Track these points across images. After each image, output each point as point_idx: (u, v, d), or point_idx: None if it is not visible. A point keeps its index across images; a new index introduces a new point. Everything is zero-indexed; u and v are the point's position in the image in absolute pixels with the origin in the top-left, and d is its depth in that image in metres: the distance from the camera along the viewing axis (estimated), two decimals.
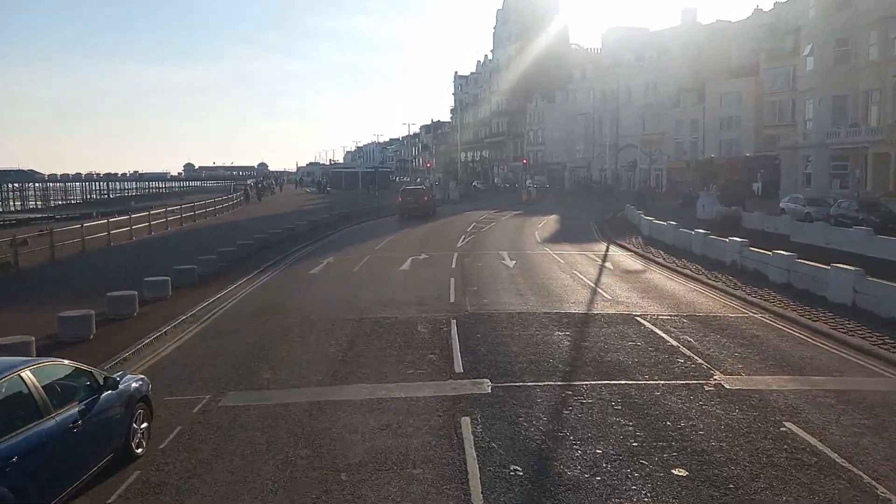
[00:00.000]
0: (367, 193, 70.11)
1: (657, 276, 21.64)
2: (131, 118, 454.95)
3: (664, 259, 24.68)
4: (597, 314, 15.88)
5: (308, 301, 17.69)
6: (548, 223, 39.25)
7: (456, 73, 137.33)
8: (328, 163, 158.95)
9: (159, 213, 39.49)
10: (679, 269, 22.67)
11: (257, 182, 62.85)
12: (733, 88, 71.69)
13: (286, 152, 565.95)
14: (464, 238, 31.88)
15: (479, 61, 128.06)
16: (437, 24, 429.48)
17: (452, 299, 17.64)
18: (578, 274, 21.77)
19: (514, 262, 24.31)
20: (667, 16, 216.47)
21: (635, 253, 27.10)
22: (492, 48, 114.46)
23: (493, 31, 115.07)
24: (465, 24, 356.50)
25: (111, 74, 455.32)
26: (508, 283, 19.98)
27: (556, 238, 32.70)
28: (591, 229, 36.33)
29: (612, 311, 16.25)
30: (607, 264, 24.28)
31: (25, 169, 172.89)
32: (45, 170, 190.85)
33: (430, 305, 16.81)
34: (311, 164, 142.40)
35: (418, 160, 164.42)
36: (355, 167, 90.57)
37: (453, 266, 23.50)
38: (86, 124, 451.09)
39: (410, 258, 25.26)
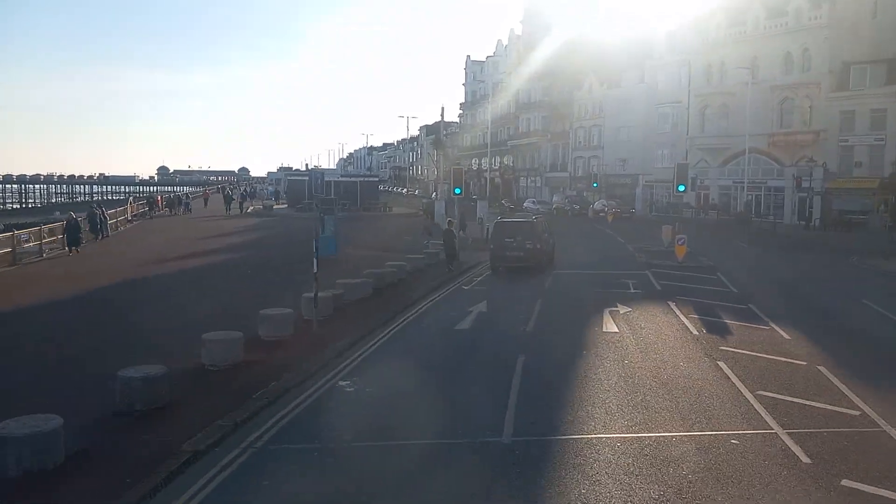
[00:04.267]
0: (346, 222, 40.90)
1: None
2: (115, 122, 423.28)
3: None
4: None
5: None
6: None
7: (468, 57, 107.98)
8: (300, 168, 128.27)
9: None
10: None
11: (94, 210, 31.98)
12: None
13: (275, 158, 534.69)
14: None
15: (499, 41, 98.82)
16: (439, 13, 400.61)
17: None
18: None
19: None
20: None
21: None
22: (521, 18, 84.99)
23: None
24: (475, 9, 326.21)
25: (101, 78, 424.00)
26: None
27: None
28: None
29: None
30: None
31: None
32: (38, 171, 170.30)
33: None
34: (282, 168, 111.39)
35: (417, 167, 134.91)
36: (326, 174, 60.73)
37: None
38: (75, 128, 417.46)
39: None
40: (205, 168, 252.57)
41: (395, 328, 14.83)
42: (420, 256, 24.76)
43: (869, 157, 46.86)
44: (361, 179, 57.83)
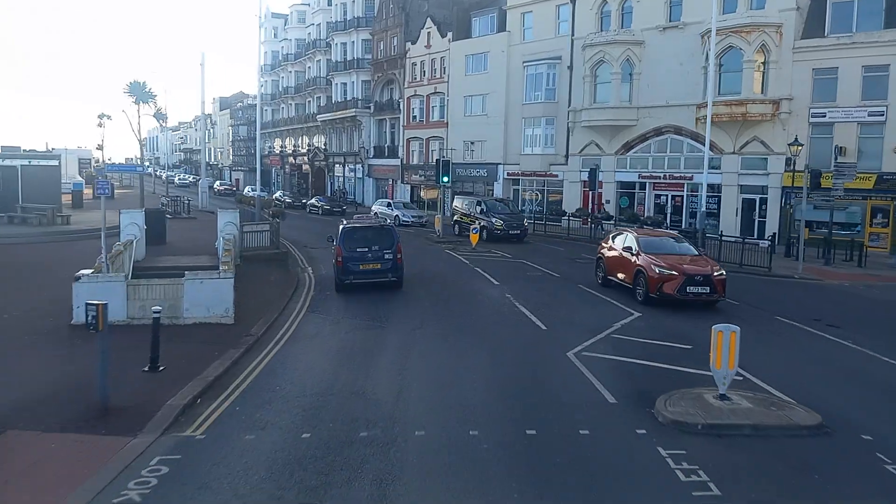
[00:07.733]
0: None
1: None
2: None
3: None
4: None
5: None
6: None
7: (267, 9, 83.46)
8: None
9: None
10: None
11: None
12: None
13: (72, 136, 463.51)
14: None
15: None
16: None
17: None
18: None
19: None
20: None
21: None
22: None
23: None
24: None
25: None
26: None
27: None
28: None
29: None
30: None
31: None
32: None
33: None
34: (5, 147, 79.26)
35: (210, 150, 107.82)
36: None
37: None
38: None
39: None
40: None
41: None
42: None
43: (857, 141, 30.65)
44: (25, 163, 32.80)
